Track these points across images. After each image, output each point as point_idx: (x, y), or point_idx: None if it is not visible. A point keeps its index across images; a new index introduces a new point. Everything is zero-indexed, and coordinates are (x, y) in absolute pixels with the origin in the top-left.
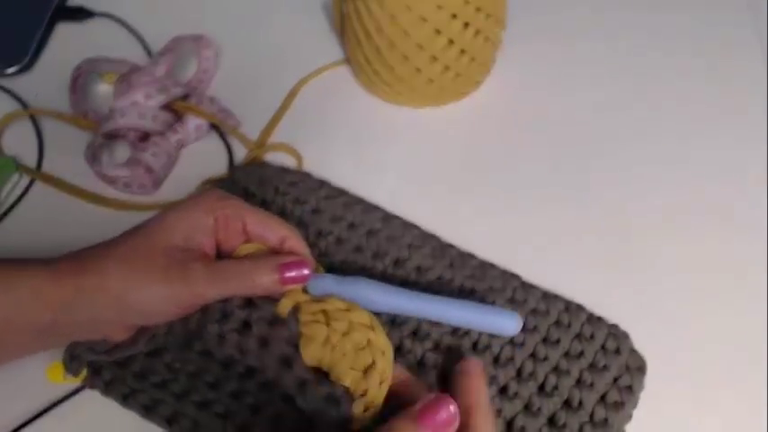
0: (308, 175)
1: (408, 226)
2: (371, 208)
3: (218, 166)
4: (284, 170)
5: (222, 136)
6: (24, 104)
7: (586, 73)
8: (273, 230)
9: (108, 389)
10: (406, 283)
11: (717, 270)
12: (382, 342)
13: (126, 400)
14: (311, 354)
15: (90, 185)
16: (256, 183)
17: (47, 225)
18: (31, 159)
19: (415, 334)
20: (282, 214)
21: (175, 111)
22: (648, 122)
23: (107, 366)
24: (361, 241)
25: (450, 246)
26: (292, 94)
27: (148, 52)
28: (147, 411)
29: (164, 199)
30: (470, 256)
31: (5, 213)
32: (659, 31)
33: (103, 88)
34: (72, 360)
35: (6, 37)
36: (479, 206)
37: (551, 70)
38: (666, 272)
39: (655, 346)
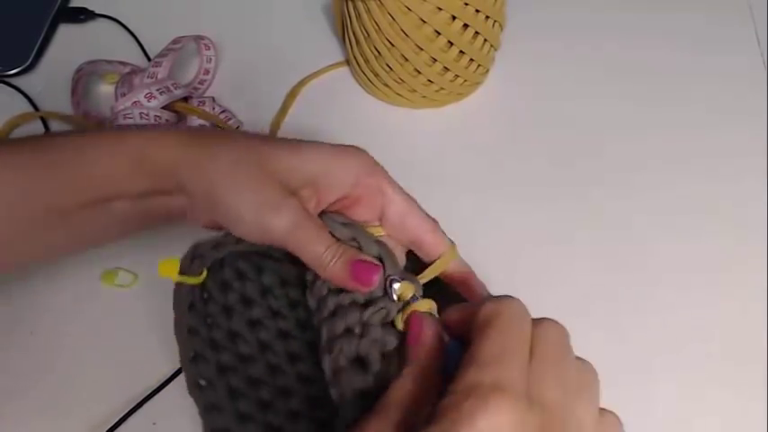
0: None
1: None
2: None
3: None
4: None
5: None
6: (35, 105)
7: (586, 73)
8: (410, 228)
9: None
10: None
11: (716, 270)
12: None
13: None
14: None
15: None
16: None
17: None
18: None
19: None
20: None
21: (177, 112)
22: (648, 122)
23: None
24: None
25: None
26: (292, 96)
27: (146, 55)
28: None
29: None
30: None
31: None
32: (659, 30)
33: (104, 89)
34: (194, 259)
35: (9, 38)
36: (479, 206)
37: (550, 71)
38: (666, 271)
39: (654, 346)
